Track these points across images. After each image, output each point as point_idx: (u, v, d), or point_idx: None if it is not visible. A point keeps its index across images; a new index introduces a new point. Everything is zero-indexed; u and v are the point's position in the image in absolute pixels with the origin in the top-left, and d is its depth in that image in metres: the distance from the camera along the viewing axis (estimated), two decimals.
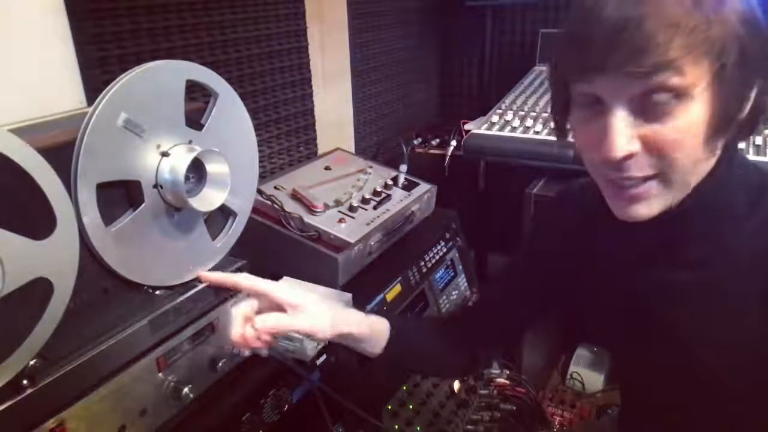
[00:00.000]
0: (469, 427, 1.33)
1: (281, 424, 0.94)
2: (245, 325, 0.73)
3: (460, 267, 1.55)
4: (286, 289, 0.77)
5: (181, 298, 0.80)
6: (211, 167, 0.78)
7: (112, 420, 0.72)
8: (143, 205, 0.73)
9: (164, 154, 0.74)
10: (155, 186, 0.74)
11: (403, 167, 1.57)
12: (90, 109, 0.66)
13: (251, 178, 0.90)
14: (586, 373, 1.83)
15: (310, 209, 1.22)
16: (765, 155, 1.38)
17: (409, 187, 1.43)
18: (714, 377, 0.71)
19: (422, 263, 1.40)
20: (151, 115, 0.72)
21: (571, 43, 0.63)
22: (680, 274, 0.70)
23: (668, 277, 0.71)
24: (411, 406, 1.23)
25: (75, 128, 0.66)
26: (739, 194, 0.68)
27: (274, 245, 1.16)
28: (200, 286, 0.83)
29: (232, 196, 0.82)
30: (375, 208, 1.31)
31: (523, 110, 1.76)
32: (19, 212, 0.58)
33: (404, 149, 1.70)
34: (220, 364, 0.86)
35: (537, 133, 1.63)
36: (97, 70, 1.01)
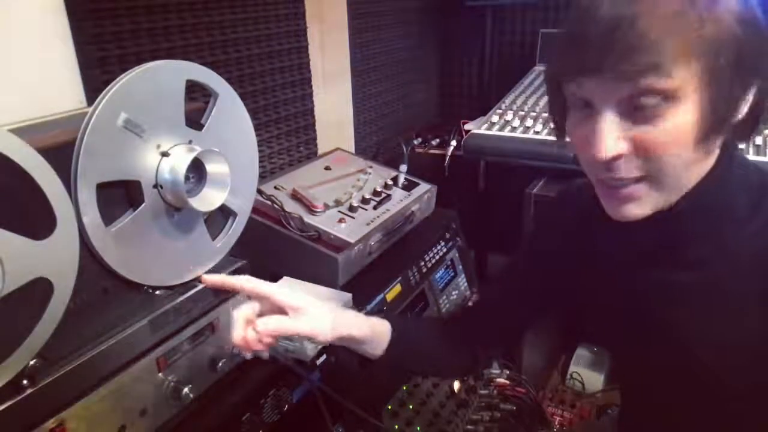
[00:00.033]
0: (469, 427, 1.33)
1: (281, 424, 0.94)
2: (246, 327, 0.73)
3: (460, 267, 1.55)
4: (287, 292, 0.76)
5: (181, 298, 0.80)
6: (211, 167, 0.78)
7: (112, 420, 0.72)
8: (143, 205, 0.73)
9: (164, 154, 0.74)
10: (155, 186, 0.74)
11: (403, 167, 1.57)
12: (90, 109, 0.66)
13: (251, 178, 0.90)
14: (586, 373, 1.83)
15: (310, 209, 1.22)
16: (765, 155, 1.38)
17: (409, 187, 1.43)
18: (714, 377, 0.71)
19: (422, 263, 1.40)
20: (151, 115, 0.72)
21: (563, 44, 0.64)
22: (680, 274, 0.70)
23: (668, 277, 0.71)
24: (411, 406, 1.23)
25: (75, 128, 0.66)
26: (739, 194, 0.68)
27: (274, 245, 1.16)
28: (200, 286, 0.83)
29: (232, 196, 0.82)
30: (375, 208, 1.31)
31: (523, 110, 1.76)
32: (19, 212, 0.58)
33: (404, 149, 1.70)
34: (220, 364, 0.86)
35: (537, 133, 1.63)
36: (97, 70, 1.01)
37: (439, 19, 2.25)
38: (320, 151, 1.63)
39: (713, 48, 0.57)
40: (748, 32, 0.58)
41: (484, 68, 2.23)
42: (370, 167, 1.45)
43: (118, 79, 0.68)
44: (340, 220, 1.22)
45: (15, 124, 0.74)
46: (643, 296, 0.74)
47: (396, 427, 1.17)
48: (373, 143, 1.96)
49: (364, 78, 1.86)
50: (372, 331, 0.84)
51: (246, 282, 0.78)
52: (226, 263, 0.89)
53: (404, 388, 1.24)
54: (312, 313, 0.76)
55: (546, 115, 1.69)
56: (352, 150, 1.80)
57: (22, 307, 0.60)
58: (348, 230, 1.19)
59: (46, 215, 0.61)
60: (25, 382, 0.62)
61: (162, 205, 0.76)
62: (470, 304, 1.55)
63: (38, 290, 0.61)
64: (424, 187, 1.45)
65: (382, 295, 1.23)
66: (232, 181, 0.80)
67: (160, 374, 0.78)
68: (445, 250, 1.49)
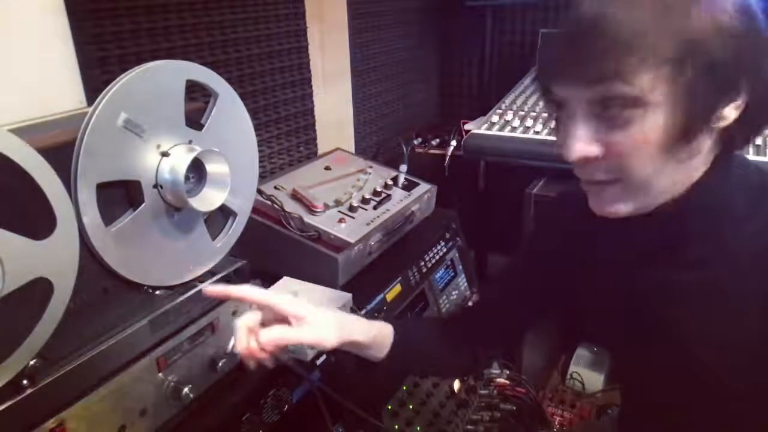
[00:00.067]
0: (469, 427, 1.33)
1: (281, 424, 0.94)
2: (249, 336, 0.72)
3: (460, 267, 1.55)
4: (290, 300, 0.75)
5: (181, 298, 0.80)
6: (211, 167, 0.78)
7: (112, 420, 0.72)
8: (143, 205, 0.73)
9: (164, 154, 0.74)
10: (155, 186, 0.74)
11: (403, 167, 1.57)
12: (90, 109, 0.66)
13: (251, 178, 0.90)
14: (586, 373, 1.83)
15: (310, 209, 1.22)
16: (765, 155, 1.38)
17: (409, 187, 1.43)
18: (714, 377, 0.71)
19: (422, 263, 1.40)
20: (151, 115, 0.72)
21: (543, 49, 0.66)
22: (680, 274, 0.70)
23: (668, 277, 0.71)
24: (411, 406, 1.23)
25: (75, 128, 0.66)
26: (739, 194, 0.68)
27: (274, 245, 1.16)
28: (200, 286, 0.83)
29: (232, 196, 0.82)
30: (375, 208, 1.31)
31: (523, 110, 1.76)
32: (19, 212, 0.58)
33: (404, 149, 1.70)
34: (220, 364, 0.86)
35: (537, 133, 1.62)
36: (97, 70, 1.01)
37: (439, 19, 2.25)
38: (320, 151, 1.63)
39: (680, 56, 0.56)
40: (725, 40, 0.57)
41: (484, 68, 2.23)
42: (370, 167, 1.45)
43: (118, 79, 0.68)
44: (340, 220, 1.22)
45: (15, 124, 0.74)
46: (643, 296, 0.74)
47: (396, 427, 1.17)
48: (373, 143, 1.96)
49: (364, 78, 1.86)
50: (375, 335, 0.84)
51: (248, 291, 0.76)
52: (226, 263, 0.89)
53: (404, 388, 1.24)
54: (315, 322, 0.74)
55: (546, 115, 1.69)
56: (352, 150, 1.80)
57: (22, 307, 0.60)
58: (348, 230, 1.19)
59: (46, 215, 0.61)
60: (25, 382, 0.62)
61: (162, 205, 0.76)
62: (470, 304, 1.55)
63: (38, 290, 0.61)
64: (424, 187, 1.45)
65: (382, 295, 1.23)
66: (232, 181, 0.80)
67: (160, 374, 0.78)
68: (445, 250, 1.49)
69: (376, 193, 1.34)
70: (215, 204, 0.80)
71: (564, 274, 0.85)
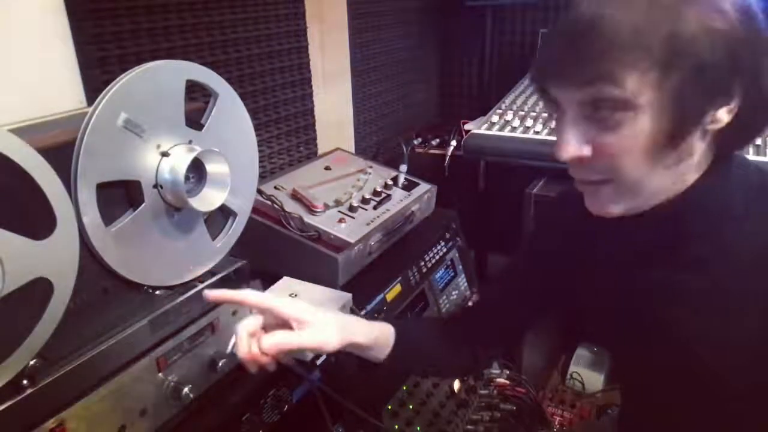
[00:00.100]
0: (469, 427, 1.33)
1: (281, 424, 0.93)
2: (251, 341, 0.72)
3: (460, 267, 1.55)
4: (291, 304, 0.75)
5: (181, 298, 0.80)
6: (211, 167, 0.78)
7: (112, 420, 0.72)
8: (143, 205, 0.73)
9: (164, 154, 0.74)
10: (155, 186, 0.74)
11: (403, 167, 1.57)
12: (90, 109, 0.66)
13: (251, 178, 0.90)
14: (586, 373, 1.83)
15: (310, 209, 1.22)
16: (765, 155, 1.38)
17: (409, 187, 1.43)
18: (714, 377, 0.71)
19: (422, 263, 1.40)
20: (151, 115, 0.72)
21: (539, 49, 0.67)
22: (680, 274, 0.70)
23: (668, 277, 0.71)
24: (411, 406, 1.23)
25: (75, 128, 0.66)
26: (739, 194, 0.68)
27: (274, 245, 1.16)
28: (200, 286, 0.83)
29: (232, 196, 0.82)
30: (375, 208, 1.31)
31: (523, 110, 1.76)
32: (19, 212, 0.58)
33: (404, 149, 1.70)
34: (220, 364, 0.86)
35: (537, 133, 1.62)
36: (97, 70, 1.01)
37: (439, 19, 2.25)
38: (320, 151, 1.63)
39: (669, 61, 0.56)
40: (715, 42, 0.56)
41: (484, 68, 2.23)
42: (370, 167, 1.45)
43: (118, 79, 0.68)
44: (340, 220, 1.22)
45: (15, 124, 0.74)
46: (643, 296, 0.74)
47: (396, 427, 1.17)
48: (373, 143, 1.96)
49: (364, 78, 1.86)
50: (377, 336, 0.84)
51: (249, 295, 0.76)
52: (226, 263, 0.89)
53: (404, 388, 1.24)
54: (317, 325, 0.74)
55: (546, 115, 1.69)
56: (352, 150, 1.80)
57: (22, 307, 0.60)
58: (348, 230, 1.19)
59: (46, 215, 0.61)
60: (25, 382, 0.62)
61: (162, 205, 0.76)
62: (470, 304, 1.55)
63: (38, 290, 0.61)
64: (424, 187, 1.45)
65: (382, 295, 1.23)
66: (232, 181, 0.80)
67: (160, 374, 0.78)
68: (445, 250, 1.49)
69: (376, 193, 1.34)
70: (215, 204, 0.80)
71: (564, 274, 0.85)
